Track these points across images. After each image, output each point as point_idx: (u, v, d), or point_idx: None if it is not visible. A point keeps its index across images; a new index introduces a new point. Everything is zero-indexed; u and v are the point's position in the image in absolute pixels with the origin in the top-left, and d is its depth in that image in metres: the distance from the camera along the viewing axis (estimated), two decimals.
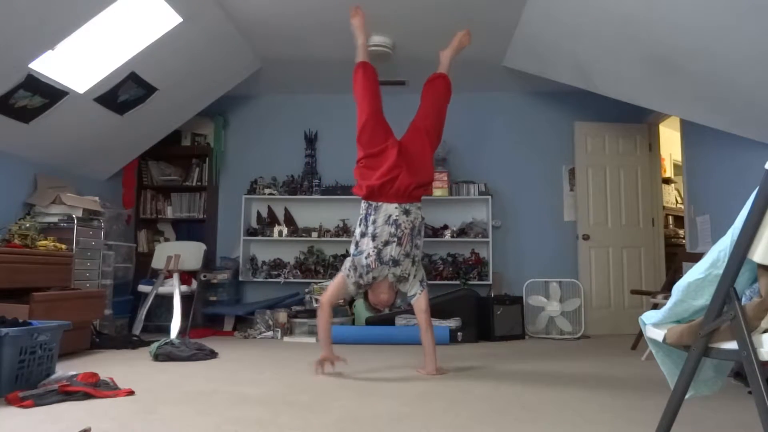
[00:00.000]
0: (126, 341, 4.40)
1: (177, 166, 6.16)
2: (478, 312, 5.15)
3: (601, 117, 5.84)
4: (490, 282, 5.63)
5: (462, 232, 5.81)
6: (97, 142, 4.96)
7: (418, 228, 3.48)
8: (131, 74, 4.39)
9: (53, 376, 2.82)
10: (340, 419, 2.30)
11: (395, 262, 3.35)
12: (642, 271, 5.72)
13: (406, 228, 3.40)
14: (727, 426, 2.22)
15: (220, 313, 5.58)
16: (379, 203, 3.44)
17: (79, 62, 3.97)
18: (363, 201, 3.53)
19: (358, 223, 3.50)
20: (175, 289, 5.00)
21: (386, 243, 3.36)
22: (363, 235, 3.43)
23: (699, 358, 1.55)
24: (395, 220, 3.39)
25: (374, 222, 3.41)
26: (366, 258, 3.36)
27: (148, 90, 4.71)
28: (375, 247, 3.36)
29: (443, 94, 3.78)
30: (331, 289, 3.44)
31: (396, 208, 3.42)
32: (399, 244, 3.36)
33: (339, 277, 3.43)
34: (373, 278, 3.38)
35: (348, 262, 3.43)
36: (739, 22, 2.85)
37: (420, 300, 3.41)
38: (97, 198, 4.87)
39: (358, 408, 2.50)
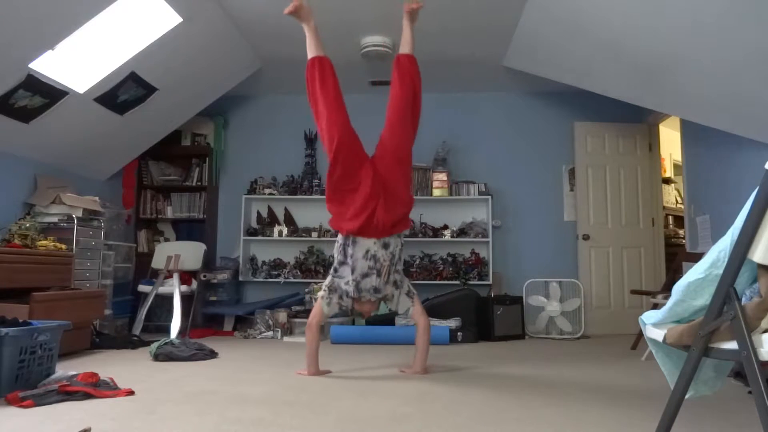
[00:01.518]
0: (126, 341, 4.40)
1: (177, 166, 6.16)
2: (478, 312, 5.15)
3: (601, 117, 5.84)
4: (490, 282, 5.63)
5: (462, 232, 5.81)
6: (97, 142, 4.96)
7: (398, 257, 3.37)
8: (131, 74, 4.39)
9: (53, 376, 2.82)
10: (340, 419, 2.30)
11: (376, 290, 3.31)
12: (642, 271, 5.72)
13: (385, 261, 3.29)
14: (727, 426, 2.22)
15: (220, 313, 5.59)
16: (358, 238, 3.30)
17: (79, 62, 3.97)
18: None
19: (335, 250, 3.38)
20: (175, 289, 5.01)
21: (365, 275, 3.28)
22: (342, 263, 3.34)
23: (699, 358, 1.55)
24: (373, 255, 3.28)
25: (352, 255, 3.29)
26: (345, 285, 3.31)
27: (148, 90, 4.71)
28: (354, 280, 3.28)
29: (415, 81, 3.34)
30: (315, 311, 3.38)
31: (374, 243, 3.29)
32: (378, 275, 3.28)
33: (317, 304, 3.40)
34: (356, 298, 3.34)
35: (327, 281, 3.39)
36: (738, 21, 2.85)
37: (416, 310, 3.38)
38: (97, 198, 4.86)
39: (358, 408, 2.50)
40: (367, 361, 3.80)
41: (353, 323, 5.18)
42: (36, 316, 3.34)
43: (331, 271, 3.41)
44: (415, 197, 5.71)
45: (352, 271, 3.29)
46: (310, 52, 3.34)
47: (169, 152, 6.08)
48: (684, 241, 5.51)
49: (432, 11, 4.30)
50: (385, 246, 3.31)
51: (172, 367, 3.51)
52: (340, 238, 3.38)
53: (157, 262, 5.41)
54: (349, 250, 3.30)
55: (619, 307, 5.66)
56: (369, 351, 4.28)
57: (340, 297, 3.35)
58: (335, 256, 3.39)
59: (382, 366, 3.63)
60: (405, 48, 3.44)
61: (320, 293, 3.40)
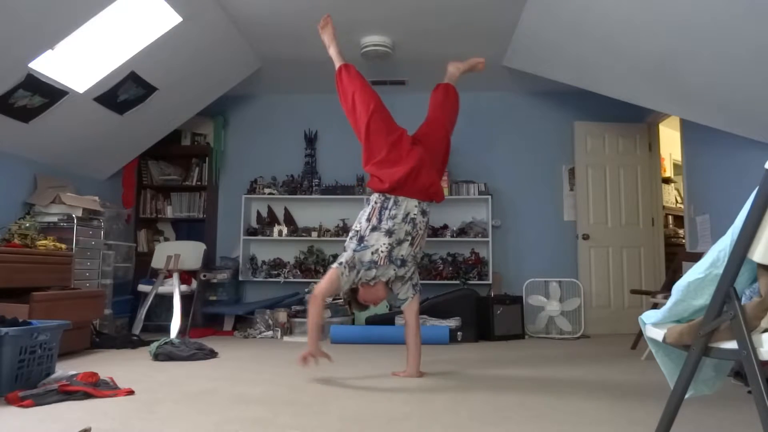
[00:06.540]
0: (126, 341, 4.40)
1: (177, 166, 6.16)
2: (478, 312, 5.15)
3: (601, 117, 5.84)
4: (490, 282, 5.63)
5: (462, 231, 5.82)
6: (97, 142, 4.96)
7: (423, 235, 3.30)
8: (131, 74, 4.39)
9: (53, 376, 2.82)
10: (340, 419, 2.29)
11: (403, 263, 3.18)
12: (642, 271, 5.72)
13: (420, 229, 3.23)
14: (727, 426, 2.22)
15: (220, 313, 5.59)
16: (400, 198, 3.20)
17: (78, 62, 3.97)
18: (378, 194, 3.26)
19: (367, 216, 3.21)
20: (175, 289, 5.00)
21: (400, 242, 3.16)
22: (374, 229, 3.16)
23: (699, 358, 1.55)
24: (413, 219, 3.19)
25: (393, 217, 3.16)
26: (373, 254, 3.12)
27: (148, 90, 4.71)
28: (389, 244, 3.13)
29: (456, 103, 3.61)
30: (325, 282, 3.14)
31: (416, 206, 3.21)
32: (411, 244, 3.19)
33: (333, 272, 3.13)
34: (374, 277, 3.15)
35: (345, 256, 3.15)
36: (738, 22, 2.85)
37: (412, 304, 3.27)
38: (96, 198, 4.86)
39: (358, 408, 2.50)
40: (367, 361, 3.80)
41: (353, 323, 5.19)
42: (36, 315, 3.34)
43: (352, 245, 3.19)
44: None
45: (389, 235, 3.14)
46: (339, 62, 3.50)
47: (168, 152, 6.08)
48: (684, 241, 5.52)
49: (432, 11, 4.30)
50: (424, 213, 3.26)
51: (171, 367, 3.51)
52: (377, 199, 3.24)
53: (157, 261, 5.41)
54: (389, 213, 3.18)
55: (618, 307, 5.66)
56: (369, 351, 4.28)
57: (357, 272, 3.13)
58: (361, 224, 3.21)
59: (381, 366, 3.63)
60: (452, 82, 3.67)
61: (335, 265, 3.15)
